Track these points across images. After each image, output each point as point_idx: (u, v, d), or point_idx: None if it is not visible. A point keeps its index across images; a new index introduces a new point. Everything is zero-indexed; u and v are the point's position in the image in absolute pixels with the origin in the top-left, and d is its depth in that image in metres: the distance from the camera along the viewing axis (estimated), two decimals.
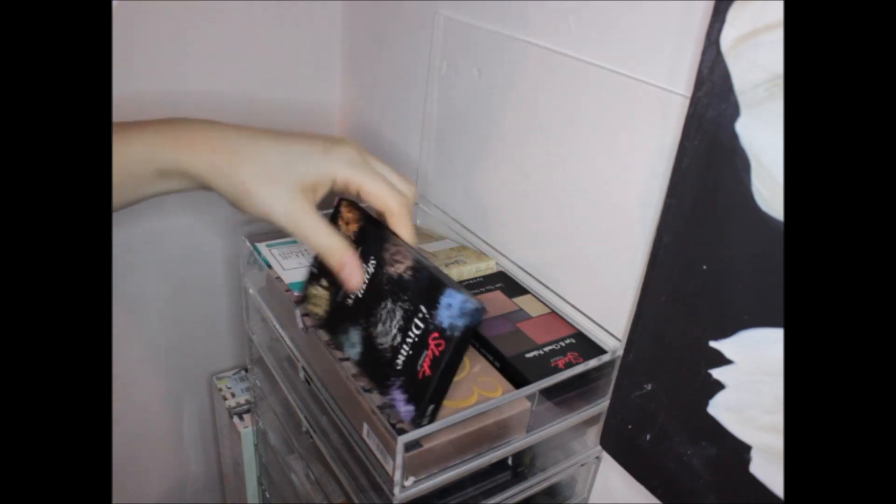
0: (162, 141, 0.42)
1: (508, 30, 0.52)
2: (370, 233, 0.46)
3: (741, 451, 0.38)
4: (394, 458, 0.38)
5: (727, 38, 0.34)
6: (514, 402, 0.43)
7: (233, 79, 0.75)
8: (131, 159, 0.41)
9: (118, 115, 0.67)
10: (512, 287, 0.56)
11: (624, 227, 0.45)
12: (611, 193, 0.46)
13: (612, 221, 0.46)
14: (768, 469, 0.37)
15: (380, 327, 0.43)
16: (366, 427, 0.42)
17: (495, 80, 0.55)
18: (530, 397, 0.44)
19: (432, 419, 0.39)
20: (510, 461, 0.49)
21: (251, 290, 0.60)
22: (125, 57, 0.66)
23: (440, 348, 0.39)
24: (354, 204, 0.47)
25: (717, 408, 0.39)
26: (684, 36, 0.38)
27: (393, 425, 0.39)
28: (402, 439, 0.37)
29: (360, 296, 0.45)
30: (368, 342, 0.43)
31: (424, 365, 0.39)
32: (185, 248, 0.81)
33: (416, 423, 0.39)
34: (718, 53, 0.34)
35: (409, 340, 0.41)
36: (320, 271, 0.48)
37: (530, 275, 0.56)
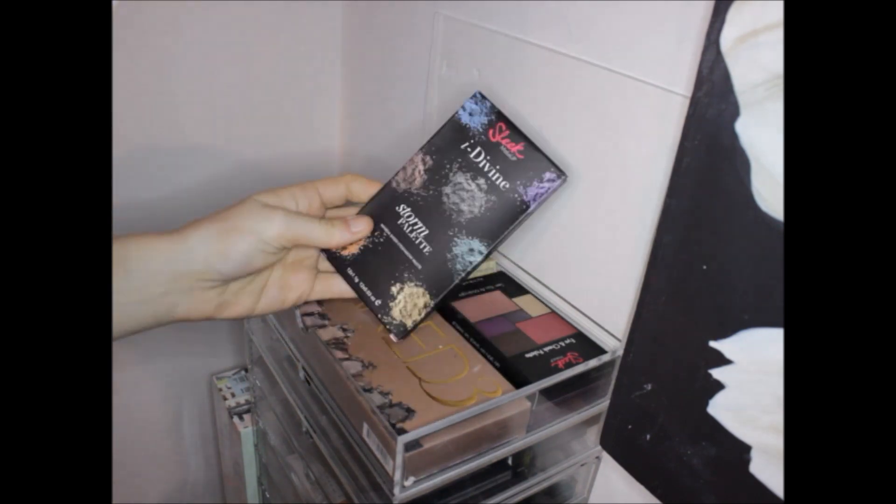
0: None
1: (508, 30, 0.52)
2: (373, 211, 0.48)
3: (741, 451, 0.38)
4: (394, 458, 0.38)
5: (727, 38, 0.34)
6: (514, 402, 0.43)
7: (233, 79, 0.75)
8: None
9: (118, 114, 0.67)
10: (512, 287, 0.56)
11: (624, 227, 0.45)
12: (611, 193, 0.46)
13: (612, 221, 0.46)
14: (768, 469, 0.37)
15: (460, 202, 0.45)
16: (366, 427, 0.42)
17: (495, 80, 0.55)
18: (530, 397, 0.44)
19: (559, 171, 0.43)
20: (510, 461, 0.49)
21: None
22: (125, 57, 0.66)
23: (504, 129, 0.44)
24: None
25: (717, 408, 0.39)
26: (684, 36, 0.38)
27: (393, 425, 0.39)
28: (402, 439, 0.37)
29: (396, 240, 0.47)
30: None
31: (514, 150, 0.43)
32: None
33: (562, 174, 0.43)
34: (718, 53, 0.34)
35: (483, 170, 0.44)
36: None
37: (530, 275, 0.56)
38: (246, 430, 0.79)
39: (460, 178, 0.45)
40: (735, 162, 0.35)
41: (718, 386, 0.39)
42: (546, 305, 0.54)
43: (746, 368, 0.37)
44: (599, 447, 0.50)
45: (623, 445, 0.47)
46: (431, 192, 0.46)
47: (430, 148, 0.47)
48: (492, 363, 0.47)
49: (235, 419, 0.81)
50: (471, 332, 0.50)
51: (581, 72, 0.46)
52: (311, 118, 0.83)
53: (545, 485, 0.50)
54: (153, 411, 0.90)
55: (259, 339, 0.63)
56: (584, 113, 0.47)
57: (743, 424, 0.38)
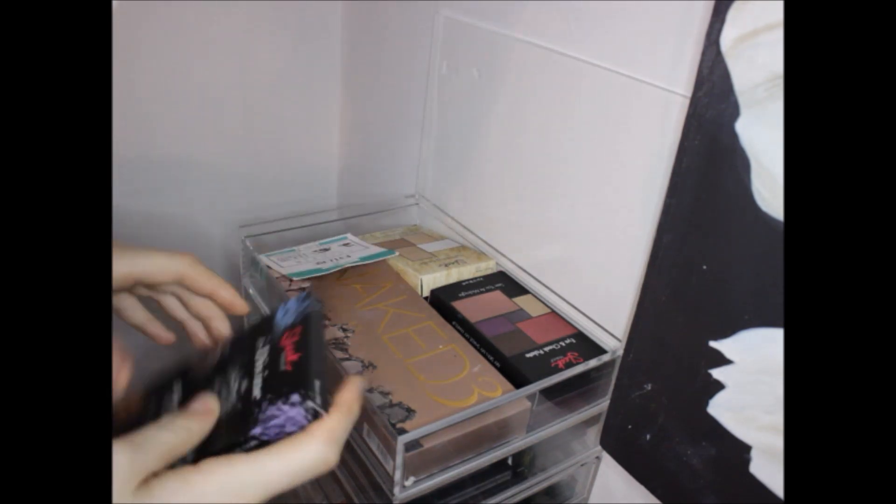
0: None
1: (508, 30, 0.52)
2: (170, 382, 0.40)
3: (741, 451, 0.38)
4: (394, 458, 0.38)
5: (727, 38, 0.34)
6: (515, 402, 0.43)
7: (233, 79, 0.75)
8: None
9: (118, 114, 0.67)
10: (512, 287, 0.56)
11: (624, 227, 0.45)
12: (611, 193, 0.46)
13: (612, 221, 0.46)
14: (768, 469, 0.37)
15: (221, 401, 0.33)
16: (366, 427, 0.42)
17: (495, 80, 0.55)
18: (530, 397, 0.44)
19: (325, 396, 0.31)
20: (510, 461, 0.49)
21: (251, 291, 0.60)
22: (125, 57, 0.66)
23: (297, 334, 0.34)
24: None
25: (717, 408, 0.39)
26: (684, 36, 0.38)
27: (393, 425, 0.39)
28: (402, 439, 0.37)
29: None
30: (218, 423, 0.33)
31: (288, 358, 0.33)
32: (185, 248, 0.81)
33: (309, 401, 0.30)
34: (718, 53, 0.34)
35: (257, 374, 0.33)
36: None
37: (530, 275, 0.56)
38: None
39: (233, 375, 0.35)
40: (735, 162, 0.35)
41: (718, 386, 0.39)
42: (546, 305, 0.54)
43: (746, 368, 0.37)
44: (599, 447, 0.50)
45: (623, 445, 0.47)
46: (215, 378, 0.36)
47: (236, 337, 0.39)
48: (492, 363, 0.47)
49: None
50: (471, 332, 0.50)
51: (581, 72, 0.46)
52: (311, 118, 0.83)
53: (545, 485, 0.50)
54: None
55: None
56: (584, 113, 0.47)
57: (743, 424, 0.38)
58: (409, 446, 0.38)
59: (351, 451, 0.46)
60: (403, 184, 0.73)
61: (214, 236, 0.83)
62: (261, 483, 0.28)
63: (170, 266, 0.39)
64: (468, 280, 0.56)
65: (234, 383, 0.35)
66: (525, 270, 0.56)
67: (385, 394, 0.42)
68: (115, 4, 0.65)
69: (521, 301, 0.54)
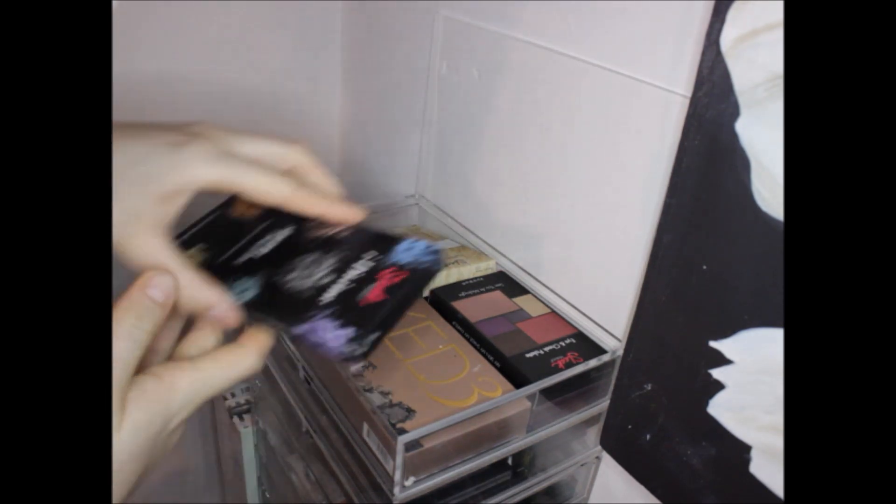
0: None
1: (508, 30, 0.52)
2: (279, 212, 0.38)
3: (741, 451, 0.38)
4: (394, 458, 0.38)
5: (727, 38, 0.34)
6: (515, 402, 0.43)
7: (233, 79, 0.75)
8: None
9: (118, 114, 0.67)
10: (512, 287, 0.56)
11: (624, 227, 0.45)
12: (611, 193, 0.46)
13: (612, 221, 0.46)
14: (768, 469, 0.37)
15: (293, 274, 0.36)
16: (366, 427, 0.42)
17: (495, 80, 0.55)
18: (530, 397, 0.44)
19: (371, 348, 0.32)
20: (510, 461, 0.49)
21: None
22: (125, 56, 0.66)
23: (399, 277, 0.34)
24: None
25: (717, 408, 0.39)
26: (684, 36, 0.38)
27: (393, 425, 0.39)
28: (402, 439, 0.37)
29: (262, 253, 0.38)
30: (271, 288, 0.36)
31: (373, 293, 0.33)
32: None
33: (356, 343, 0.31)
34: (718, 53, 0.34)
35: (344, 279, 0.35)
36: (193, 236, 0.40)
37: (530, 275, 0.56)
38: (246, 430, 0.79)
39: (329, 261, 0.36)
40: (735, 162, 0.35)
41: (718, 386, 0.39)
42: (546, 305, 0.54)
43: (746, 368, 0.37)
44: (599, 447, 0.50)
45: (623, 445, 0.47)
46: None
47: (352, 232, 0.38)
48: (492, 363, 0.47)
49: (235, 419, 0.81)
50: (471, 332, 0.50)
51: (581, 72, 0.46)
52: (311, 118, 0.83)
53: (545, 485, 0.50)
54: None
55: None
56: (584, 113, 0.47)
57: (743, 424, 0.38)
58: (409, 446, 0.38)
59: (351, 451, 0.46)
60: (403, 184, 0.73)
61: None
62: (206, 391, 0.32)
63: (286, 156, 0.37)
64: (468, 280, 0.56)
65: (322, 270, 0.36)
66: (525, 270, 0.56)
67: (385, 394, 0.42)
68: (115, 4, 0.65)
69: (521, 301, 0.54)
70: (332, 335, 0.32)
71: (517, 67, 0.52)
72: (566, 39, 0.47)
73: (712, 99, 0.35)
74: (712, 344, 0.38)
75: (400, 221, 0.69)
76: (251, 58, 0.75)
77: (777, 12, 0.31)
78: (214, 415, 0.93)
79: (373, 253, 0.36)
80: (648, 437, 0.44)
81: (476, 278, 0.57)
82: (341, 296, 0.34)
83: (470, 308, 0.52)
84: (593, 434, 0.50)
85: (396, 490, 0.39)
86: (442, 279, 0.56)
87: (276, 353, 0.61)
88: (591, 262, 0.49)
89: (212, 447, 0.99)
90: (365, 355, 0.31)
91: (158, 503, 0.97)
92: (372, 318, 0.32)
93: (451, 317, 0.51)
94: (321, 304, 0.33)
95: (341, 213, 0.37)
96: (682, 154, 0.38)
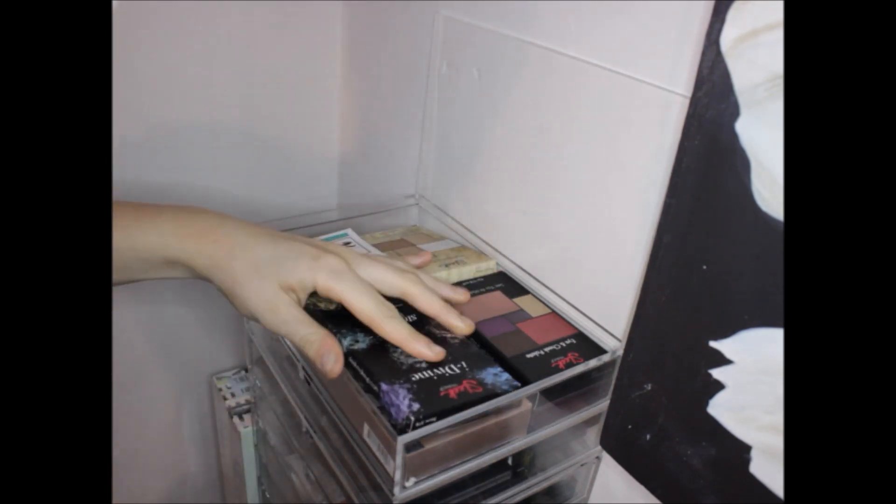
0: (173, 232, 0.44)
1: (508, 30, 0.52)
2: None
3: (741, 451, 0.38)
4: (394, 459, 0.38)
5: (727, 38, 0.34)
6: (515, 402, 0.43)
7: (233, 79, 0.75)
8: (144, 247, 0.43)
9: (118, 114, 0.67)
10: (512, 287, 0.56)
11: (624, 228, 0.45)
12: (611, 193, 0.46)
13: (612, 221, 0.46)
14: (768, 469, 0.37)
15: (401, 350, 0.44)
16: (366, 427, 0.42)
17: (495, 80, 0.55)
18: (531, 397, 0.44)
19: (421, 424, 0.39)
20: (510, 461, 0.49)
21: None
22: (125, 56, 0.66)
23: (476, 390, 0.42)
24: None
25: (717, 408, 0.39)
26: (684, 36, 0.38)
27: (393, 425, 0.39)
28: (403, 439, 0.37)
29: None
30: (378, 348, 0.44)
31: (451, 391, 0.41)
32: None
33: (415, 416, 0.38)
34: (718, 53, 0.34)
35: (436, 372, 0.43)
36: None
37: (530, 275, 0.56)
38: (246, 430, 0.79)
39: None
40: (735, 162, 0.35)
41: (718, 386, 0.39)
42: (546, 305, 0.54)
43: (746, 368, 0.37)
44: (599, 447, 0.50)
45: (623, 445, 0.47)
46: None
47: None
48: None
49: (235, 419, 0.81)
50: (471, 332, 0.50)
51: (581, 72, 0.46)
52: (311, 118, 0.83)
53: (545, 485, 0.50)
54: (153, 411, 0.90)
55: (259, 339, 0.63)
56: (584, 113, 0.47)
57: (743, 424, 0.38)
58: (410, 446, 0.38)
59: (351, 451, 0.46)
60: (403, 184, 0.73)
61: None
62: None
63: (396, 284, 0.46)
64: (468, 280, 0.56)
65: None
66: (525, 270, 0.56)
67: None
68: (115, 4, 0.65)
69: (522, 301, 0.54)
70: (403, 402, 0.39)
71: (517, 67, 0.52)
72: (566, 39, 0.47)
73: (712, 99, 0.35)
74: (712, 344, 0.38)
75: (400, 221, 0.69)
76: (251, 58, 0.75)
77: (777, 12, 0.31)
78: (214, 415, 0.94)
79: (466, 364, 0.44)
80: (648, 437, 0.44)
81: (476, 278, 0.57)
82: (425, 381, 0.42)
83: (470, 308, 0.52)
84: (593, 434, 0.50)
85: (396, 490, 0.39)
86: (443, 279, 0.56)
87: (276, 353, 0.61)
88: (591, 262, 0.49)
89: (212, 447, 0.99)
90: (415, 427, 0.38)
91: (159, 503, 0.97)
92: (436, 406, 0.39)
93: None
94: (409, 379, 0.42)
95: (452, 319, 0.46)
96: (682, 154, 0.38)
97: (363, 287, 0.44)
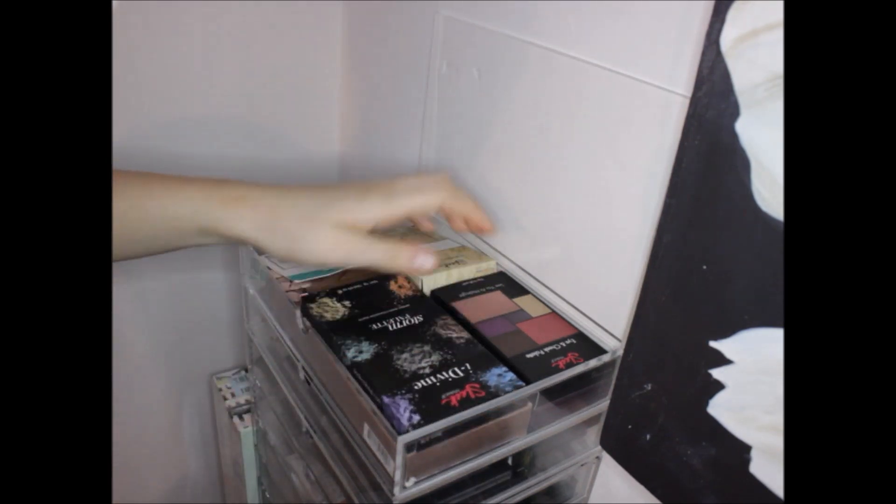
0: (206, 200, 0.44)
1: (509, 30, 0.52)
2: (426, 301, 0.52)
3: (741, 451, 0.38)
4: (394, 459, 0.38)
5: (727, 38, 0.34)
6: (515, 402, 0.43)
7: (232, 78, 0.75)
8: (177, 215, 0.44)
9: (118, 114, 0.67)
10: (512, 287, 0.56)
11: (624, 228, 0.45)
12: (611, 193, 0.46)
13: (612, 222, 0.46)
14: (768, 469, 0.37)
15: (405, 356, 0.45)
16: (366, 427, 0.42)
17: (495, 80, 0.55)
18: (531, 398, 0.44)
19: (425, 444, 0.39)
20: (510, 461, 0.49)
21: (251, 291, 0.60)
22: (125, 56, 0.66)
23: (478, 394, 0.42)
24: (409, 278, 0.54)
25: (717, 408, 0.39)
26: (684, 36, 0.38)
27: (393, 425, 0.39)
28: (403, 439, 0.37)
29: (391, 328, 0.48)
30: (381, 358, 0.45)
31: (452, 398, 0.41)
32: (184, 249, 0.81)
33: (414, 428, 0.39)
34: (718, 53, 0.34)
35: (439, 377, 0.43)
36: (347, 294, 0.51)
37: (530, 275, 0.56)
38: (246, 430, 0.79)
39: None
40: (735, 162, 0.35)
41: (718, 386, 0.39)
42: (546, 305, 0.54)
43: (746, 368, 0.37)
44: (599, 447, 0.50)
45: (623, 445, 0.47)
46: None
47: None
48: None
49: (235, 419, 0.81)
50: (471, 333, 0.50)
51: (581, 72, 0.46)
52: (311, 118, 0.83)
53: (545, 485, 0.50)
54: (153, 411, 0.90)
55: (259, 339, 0.63)
56: (584, 113, 0.47)
57: (743, 424, 0.38)
58: (410, 447, 0.38)
59: (351, 451, 0.46)
60: None
61: None
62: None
63: (435, 201, 0.48)
64: (468, 280, 0.56)
65: (425, 362, 0.45)
66: (525, 270, 0.56)
67: None
68: (115, 4, 0.65)
69: (522, 301, 0.54)
70: (404, 414, 0.39)
71: (517, 67, 0.52)
72: (566, 39, 0.47)
73: (712, 99, 0.35)
74: (712, 344, 0.38)
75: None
76: (251, 57, 0.75)
77: (777, 12, 0.31)
78: (214, 415, 0.94)
79: (470, 366, 0.44)
80: (648, 437, 0.44)
81: (476, 278, 0.57)
82: (427, 389, 0.42)
83: (470, 308, 0.52)
84: (593, 434, 0.50)
85: (396, 490, 0.39)
86: (442, 279, 0.56)
87: (276, 353, 0.61)
88: (591, 262, 0.49)
89: (212, 447, 0.99)
90: (425, 444, 0.39)
91: (158, 503, 0.97)
92: (437, 416, 0.39)
93: (452, 317, 0.51)
94: (411, 388, 0.42)
95: (480, 218, 0.50)
96: (682, 154, 0.38)
97: (413, 202, 0.47)
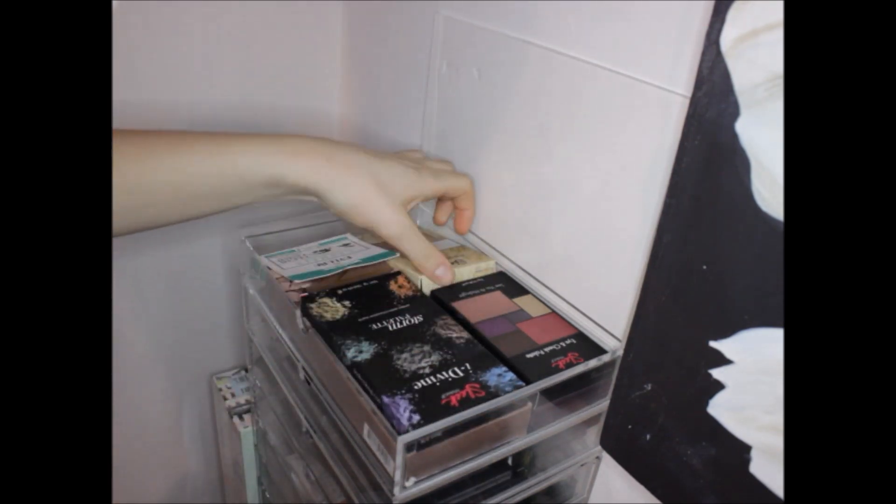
0: (273, 152, 0.45)
1: (509, 30, 0.52)
2: (426, 301, 0.52)
3: (741, 451, 0.38)
4: (394, 459, 0.38)
5: (727, 38, 0.34)
6: (515, 402, 0.43)
7: (232, 78, 0.75)
8: (247, 168, 0.45)
9: (118, 114, 0.67)
10: (512, 287, 0.56)
11: (624, 227, 0.45)
12: (611, 193, 0.46)
13: (612, 221, 0.46)
14: (768, 469, 0.37)
15: (405, 356, 0.45)
16: (366, 427, 0.42)
17: (495, 80, 0.55)
18: (531, 398, 0.44)
19: (425, 444, 0.39)
20: (510, 461, 0.49)
21: (251, 291, 0.60)
22: (125, 56, 0.66)
23: (478, 394, 0.42)
24: (409, 278, 0.55)
25: (717, 408, 0.39)
26: (684, 36, 0.38)
27: (393, 425, 0.39)
28: (403, 439, 0.37)
29: (391, 328, 0.48)
30: (381, 358, 0.45)
31: (452, 398, 0.41)
32: (185, 248, 0.81)
33: (414, 428, 0.39)
34: (718, 53, 0.34)
35: (439, 377, 0.43)
36: (347, 294, 0.52)
37: (530, 275, 0.56)
38: (246, 430, 0.79)
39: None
40: (735, 162, 0.35)
41: (718, 386, 0.39)
42: (546, 305, 0.54)
43: (746, 368, 0.37)
44: (599, 447, 0.50)
45: (623, 445, 0.47)
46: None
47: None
48: None
49: (235, 419, 0.81)
50: (471, 333, 0.50)
51: (581, 72, 0.46)
52: (311, 118, 0.83)
53: (545, 485, 0.50)
54: (153, 411, 0.90)
55: (259, 339, 0.63)
56: (583, 113, 0.47)
57: (743, 424, 0.38)
58: (410, 447, 0.38)
59: (351, 451, 0.46)
60: None
61: (215, 236, 0.83)
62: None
63: (461, 185, 0.56)
64: (468, 280, 0.56)
65: (425, 362, 0.45)
66: (525, 270, 0.56)
67: None
68: (115, 4, 0.65)
69: (522, 301, 0.54)
70: (404, 414, 0.40)
71: (517, 67, 0.52)
72: (566, 39, 0.47)
73: (712, 99, 0.35)
74: (712, 344, 0.38)
75: None
76: (251, 57, 0.75)
77: (777, 12, 0.31)
78: (214, 415, 0.94)
79: (470, 366, 0.44)
80: (648, 437, 0.44)
81: (476, 279, 0.57)
82: (427, 389, 0.42)
83: (470, 308, 0.52)
84: (593, 434, 0.50)
85: (396, 490, 0.39)
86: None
87: (276, 353, 0.61)
88: (591, 262, 0.49)
89: (212, 447, 0.99)
90: (425, 444, 0.39)
91: (158, 503, 0.97)
92: (437, 416, 0.39)
93: (452, 317, 0.51)
94: (411, 388, 0.42)
95: (469, 216, 0.58)
96: (682, 154, 0.38)
97: (445, 179, 0.54)
